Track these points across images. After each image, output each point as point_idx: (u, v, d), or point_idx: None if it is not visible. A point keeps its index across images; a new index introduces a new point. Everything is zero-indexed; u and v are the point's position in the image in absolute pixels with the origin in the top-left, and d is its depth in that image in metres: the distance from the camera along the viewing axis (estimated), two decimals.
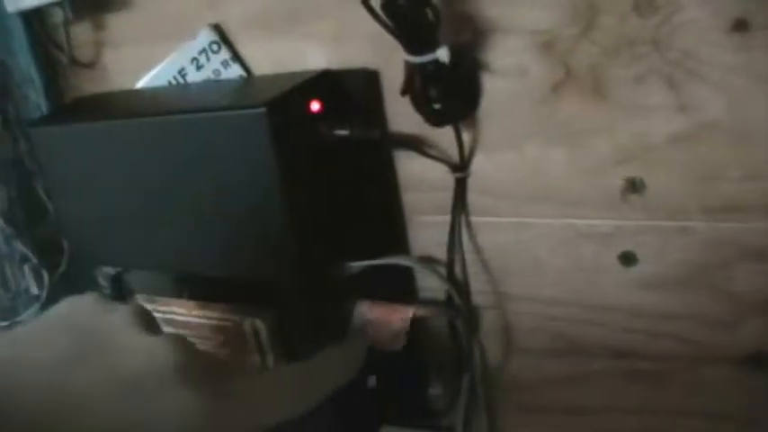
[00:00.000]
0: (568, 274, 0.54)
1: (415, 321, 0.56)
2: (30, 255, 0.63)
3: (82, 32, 0.62)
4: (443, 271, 0.56)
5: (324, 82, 0.53)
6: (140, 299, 0.60)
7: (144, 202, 0.56)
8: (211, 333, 0.57)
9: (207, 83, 0.58)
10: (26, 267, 0.64)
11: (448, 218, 0.55)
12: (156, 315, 0.58)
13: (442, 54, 0.48)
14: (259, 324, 0.55)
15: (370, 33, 0.50)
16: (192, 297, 0.57)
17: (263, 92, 0.53)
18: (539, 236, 0.54)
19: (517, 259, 0.55)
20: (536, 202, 0.53)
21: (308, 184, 0.51)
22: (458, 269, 0.56)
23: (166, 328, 0.59)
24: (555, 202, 0.53)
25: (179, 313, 0.58)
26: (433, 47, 0.48)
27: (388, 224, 0.57)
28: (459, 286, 0.56)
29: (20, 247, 0.63)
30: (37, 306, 0.64)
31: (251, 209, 0.51)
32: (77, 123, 0.58)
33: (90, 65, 0.63)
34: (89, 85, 0.63)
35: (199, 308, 0.57)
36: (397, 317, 0.54)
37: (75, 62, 0.62)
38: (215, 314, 0.57)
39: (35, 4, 0.58)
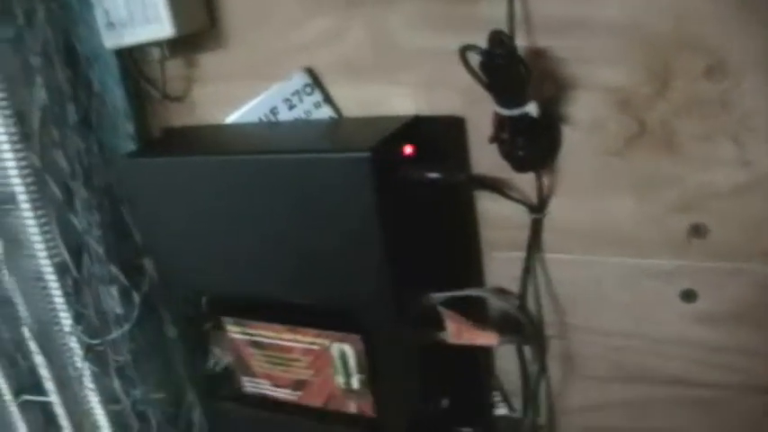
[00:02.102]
0: (631, 308, 0.62)
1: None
2: (120, 277, 0.69)
3: (173, 67, 0.69)
4: (516, 302, 0.63)
5: (415, 127, 0.60)
6: (228, 322, 0.66)
7: (238, 231, 0.62)
8: (299, 355, 0.64)
9: (299, 122, 0.64)
10: (114, 289, 0.70)
11: (522, 254, 0.62)
12: (245, 337, 0.65)
13: (532, 108, 0.55)
14: (347, 348, 0.61)
15: (457, 83, 0.57)
16: (282, 321, 0.64)
17: (361, 136, 0.59)
18: (605, 273, 0.61)
19: (584, 293, 0.63)
20: (605, 242, 0.60)
21: (401, 222, 0.58)
22: (529, 301, 0.63)
23: (255, 350, 0.66)
24: (622, 242, 0.60)
25: (268, 336, 0.64)
26: (522, 101, 0.55)
27: (466, 258, 0.64)
28: (531, 316, 0.64)
29: (110, 269, 0.69)
30: (126, 326, 0.70)
31: (346, 242, 0.58)
32: (174, 156, 0.64)
33: (180, 99, 0.69)
34: (178, 117, 0.70)
35: (288, 332, 0.64)
36: (482, 340, 0.61)
37: (165, 96, 0.69)
38: (303, 338, 0.63)
39: (135, 41, 0.65)
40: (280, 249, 0.61)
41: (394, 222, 0.57)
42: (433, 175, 0.58)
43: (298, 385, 0.65)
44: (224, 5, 0.64)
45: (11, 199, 0.70)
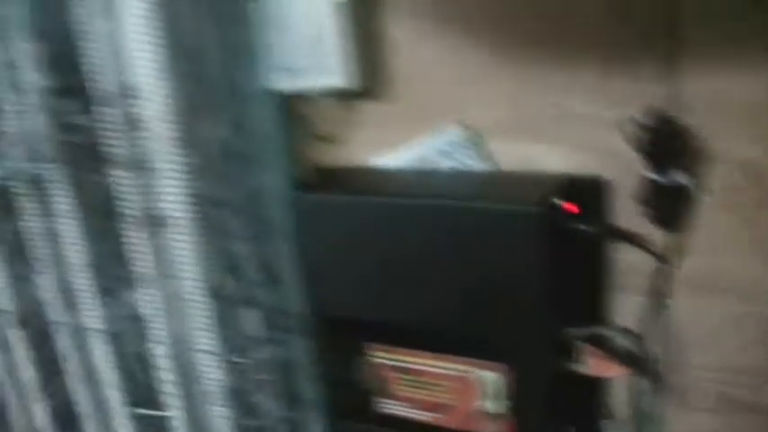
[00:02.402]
0: (745, 348, 0.71)
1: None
2: (266, 301, 0.76)
3: (328, 108, 0.75)
4: (638, 340, 0.72)
5: (570, 184, 0.68)
6: (374, 347, 0.73)
7: (395, 265, 0.69)
8: (443, 380, 0.71)
9: (456, 171, 0.72)
10: (257, 312, 0.76)
11: (646, 298, 0.71)
12: (392, 363, 0.73)
13: (681, 177, 0.64)
14: (493, 376, 0.69)
15: (606, 147, 0.66)
16: (430, 349, 0.71)
17: (524, 189, 0.67)
18: (722, 319, 0.70)
19: (700, 335, 0.71)
20: (724, 292, 0.69)
21: (555, 268, 0.66)
22: (649, 339, 0.72)
23: (399, 374, 0.73)
24: (742, 292, 0.69)
25: (414, 362, 0.72)
26: (674, 170, 0.64)
27: (597, 299, 0.72)
28: (649, 353, 0.72)
29: (257, 293, 0.75)
30: (270, 347, 0.76)
31: (504, 282, 0.66)
32: (342, 195, 0.71)
33: (333, 140, 0.76)
34: (329, 157, 0.77)
35: (434, 358, 0.71)
36: (612, 373, 0.69)
37: (320, 136, 0.76)
38: (449, 365, 0.71)
39: (307, 87, 0.72)
40: (436, 284, 0.69)
41: (550, 268, 0.65)
42: (584, 227, 0.66)
43: (438, 408, 0.72)
44: (389, 61, 0.71)
45: (163, 222, 0.77)
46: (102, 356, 0.88)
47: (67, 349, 0.90)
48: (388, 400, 0.74)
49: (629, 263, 0.71)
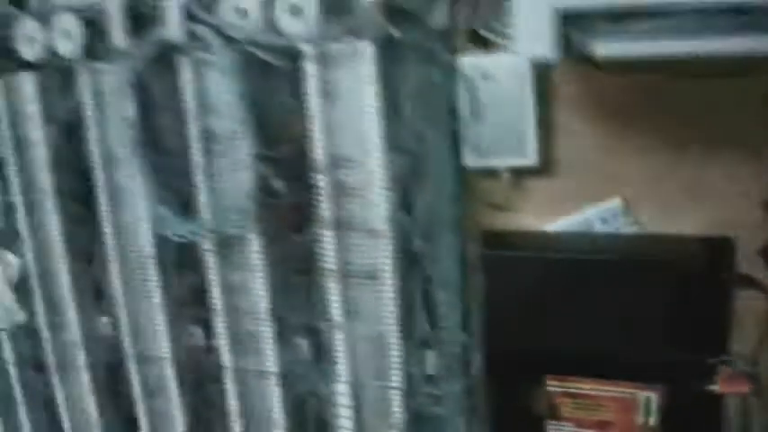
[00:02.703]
0: None
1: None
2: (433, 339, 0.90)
3: (504, 182, 0.92)
4: (756, 365, 0.92)
5: (706, 241, 0.87)
6: (549, 378, 0.90)
7: (568, 309, 0.87)
8: (605, 402, 0.89)
9: (613, 234, 0.90)
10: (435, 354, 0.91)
11: (758, 332, 0.91)
12: (561, 390, 0.90)
13: None
14: (652, 396, 0.87)
15: (735, 214, 0.86)
16: (593, 376, 0.89)
17: (668, 247, 0.86)
18: None
19: None
20: None
21: (698, 307, 0.85)
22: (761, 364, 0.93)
23: (569, 399, 0.90)
24: None
25: (584, 388, 0.89)
26: None
27: (724, 332, 0.92)
28: (761, 376, 0.93)
29: (444, 334, 0.90)
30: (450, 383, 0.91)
31: (659, 320, 0.84)
32: (524, 253, 0.88)
33: (502, 207, 0.93)
34: (503, 224, 0.93)
35: (598, 384, 0.88)
36: (739, 389, 0.89)
37: (494, 206, 0.92)
38: (611, 388, 0.88)
39: (496, 165, 0.88)
40: (601, 322, 0.86)
41: (694, 308, 0.84)
42: (721, 275, 0.86)
43: (602, 426, 0.89)
44: (559, 143, 0.89)
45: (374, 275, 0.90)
46: (273, 399, 1.00)
47: (236, 394, 1.01)
48: (557, 422, 0.91)
49: (747, 305, 0.91)
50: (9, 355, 1.13)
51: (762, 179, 0.84)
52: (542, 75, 0.82)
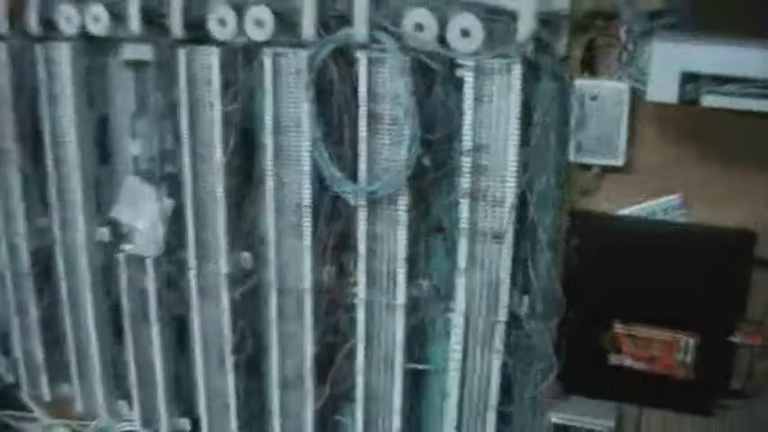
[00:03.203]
0: None
1: None
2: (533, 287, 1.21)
3: (593, 176, 1.22)
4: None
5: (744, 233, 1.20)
6: (616, 322, 1.22)
7: (650, 280, 1.18)
8: (656, 343, 1.22)
9: (674, 222, 1.22)
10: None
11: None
12: (623, 331, 1.23)
13: None
14: (691, 340, 1.20)
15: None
16: (648, 324, 1.21)
17: (719, 236, 1.19)
18: None
19: None
20: None
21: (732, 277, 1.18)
22: None
23: (627, 339, 1.23)
24: None
25: (641, 331, 1.21)
26: None
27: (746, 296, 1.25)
28: None
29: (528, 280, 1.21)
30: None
31: (704, 283, 1.17)
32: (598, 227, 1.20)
33: (590, 194, 1.23)
34: (587, 207, 1.23)
35: (654, 329, 1.21)
36: (749, 341, 1.23)
37: (584, 192, 1.23)
38: (660, 332, 1.21)
39: (592, 163, 1.19)
40: (661, 288, 1.19)
41: (730, 277, 1.17)
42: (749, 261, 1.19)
43: (650, 359, 1.22)
44: (637, 148, 1.20)
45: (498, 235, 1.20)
46: (397, 325, 1.29)
47: (364, 322, 1.29)
48: (618, 355, 1.23)
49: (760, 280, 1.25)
50: (150, 279, 1.39)
51: None
52: (637, 99, 1.14)
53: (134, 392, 1.50)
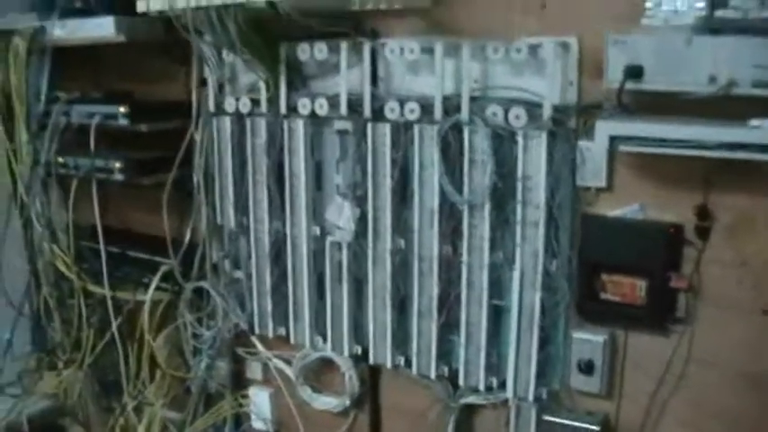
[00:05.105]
0: None
1: None
2: (557, 253, 2.32)
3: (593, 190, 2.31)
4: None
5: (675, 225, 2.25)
6: (603, 274, 2.29)
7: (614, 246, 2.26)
8: (625, 285, 2.24)
9: (639, 219, 2.27)
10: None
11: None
12: (608, 280, 2.29)
13: None
14: (641, 282, 2.26)
15: None
16: (620, 273, 2.28)
17: (665, 225, 2.25)
18: None
19: None
20: None
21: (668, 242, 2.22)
22: None
23: (610, 283, 2.32)
24: None
25: (616, 278, 2.26)
26: None
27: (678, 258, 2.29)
28: None
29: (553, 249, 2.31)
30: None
31: (654, 256, 2.23)
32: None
33: (590, 203, 2.33)
34: (587, 209, 2.33)
35: (622, 275, 2.25)
36: (680, 285, 2.26)
37: (585, 201, 2.33)
38: (629, 279, 2.25)
39: (587, 186, 2.30)
40: (628, 253, 2.27)
41: (665, 245, 2.23)
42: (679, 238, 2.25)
43: (623, 295, 2.21)
44: (616, 176, 2.30)
45: (536, 223, 2.34)
46: (483, 279, 2.41)
47: (466, 277, 2.40)
48: (604, 293, 2.30)
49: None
50: (344, 256, 2.56)
51: None
52: (612, 152, 2.23)
53: (328, 330, 2.52)
